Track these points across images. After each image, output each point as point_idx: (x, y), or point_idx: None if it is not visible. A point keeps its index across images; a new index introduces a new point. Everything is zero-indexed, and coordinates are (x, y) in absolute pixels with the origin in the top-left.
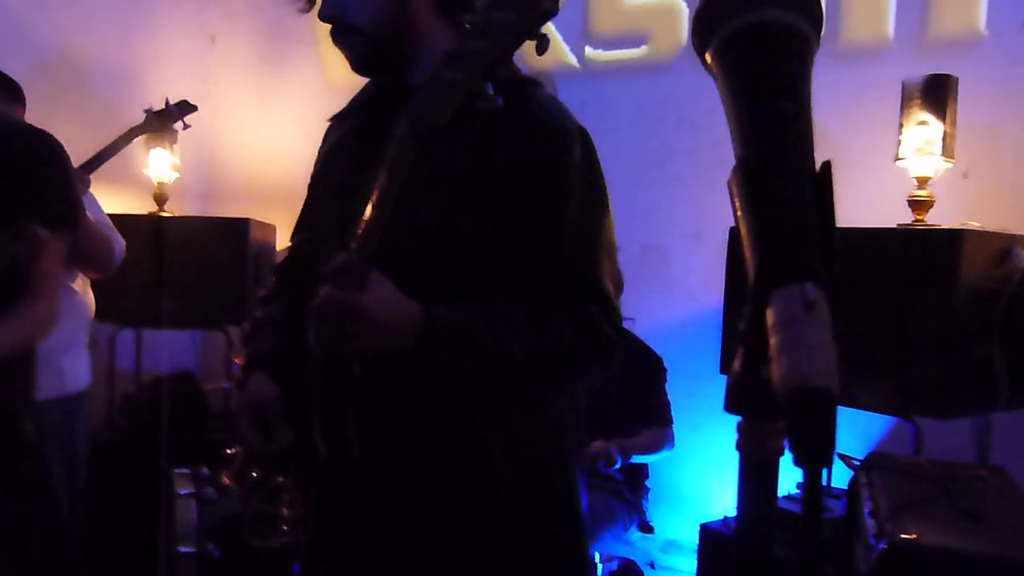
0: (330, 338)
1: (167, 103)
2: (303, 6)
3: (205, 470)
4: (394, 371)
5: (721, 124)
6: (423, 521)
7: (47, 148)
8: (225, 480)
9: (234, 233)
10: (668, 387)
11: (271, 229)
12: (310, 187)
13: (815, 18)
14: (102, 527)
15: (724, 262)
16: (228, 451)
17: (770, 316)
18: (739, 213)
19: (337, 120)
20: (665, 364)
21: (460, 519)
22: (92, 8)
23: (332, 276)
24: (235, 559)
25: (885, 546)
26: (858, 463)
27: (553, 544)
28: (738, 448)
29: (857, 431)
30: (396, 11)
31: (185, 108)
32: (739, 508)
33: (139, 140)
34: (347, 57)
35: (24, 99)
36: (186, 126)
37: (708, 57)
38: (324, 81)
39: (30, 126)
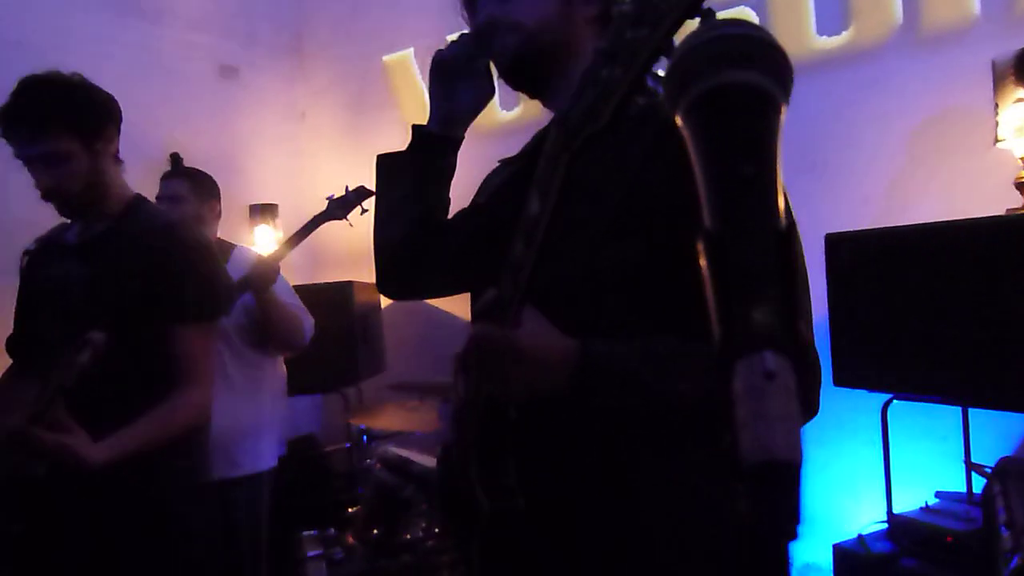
0: (484, 377)
1: (347, 190)
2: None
3: (332, 531)
4: (549, 416)
5: (810, 127)
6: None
7: (189, 243)
8: (349, 539)
9: (339, 297)
10: None
11: (374, 289)
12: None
13: (781, 74)
14: None
15: (824, 272)
16: (350, 511)
17: (736, 387)
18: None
19: (504, 164)
20: None
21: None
22: (188, 103)
23: (483, 313)
24: None
25: (1020, 562)
26: (990, 470)
27: None
28: None
29: (997, 433)
30: (559, 19)
31: (363, 193)
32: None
33: (243, 219)
34: (499, 63)
35: (219, 193)
36: (364, 211)
37: (679, 121)
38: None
39: (174, 222)
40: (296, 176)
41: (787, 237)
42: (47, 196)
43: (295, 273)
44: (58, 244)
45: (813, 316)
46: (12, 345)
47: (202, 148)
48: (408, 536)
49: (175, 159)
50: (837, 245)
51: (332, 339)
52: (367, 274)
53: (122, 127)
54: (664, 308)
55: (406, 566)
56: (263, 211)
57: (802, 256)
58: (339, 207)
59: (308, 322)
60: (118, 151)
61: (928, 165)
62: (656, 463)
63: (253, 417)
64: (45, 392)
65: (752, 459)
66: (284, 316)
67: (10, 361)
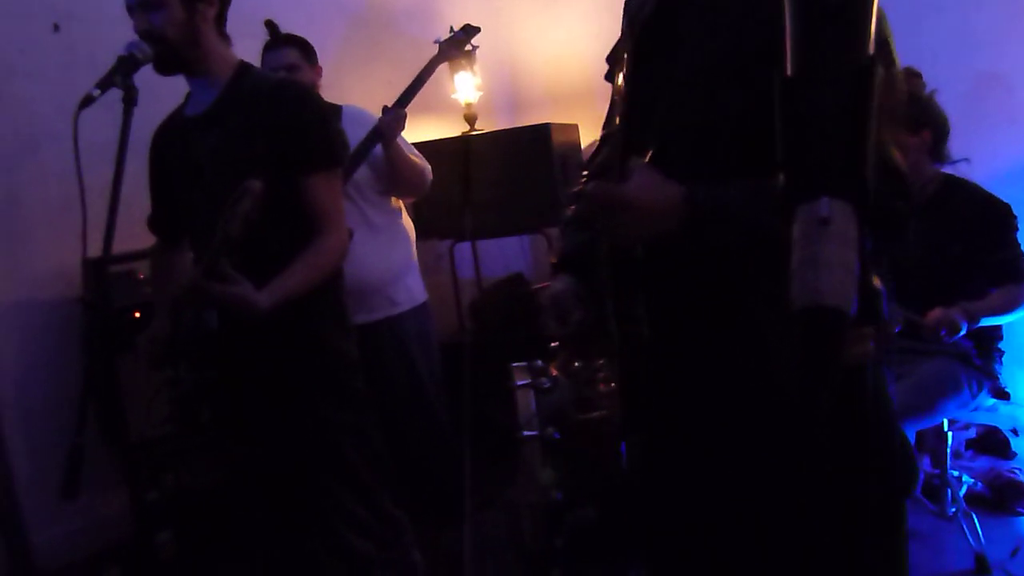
0: (602, 228)
1: (451, 30)
2: None
3: (539, 362)
4: (674, 253)
5: None
6: (704, 398)
7: (297, 98)
8: (553, 371)
9: (538, 139)
10: (1020, 237)
11: (573, 129)
12: (605, 78)
13: None
14: (461, 417)
15: None
16: (553, 345)
17: (794, 231)
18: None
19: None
20: (1015, 211)
21: (735, 397)
22: None
23: (594, 173)
24: (572, 439)
25: None
26: None
27: (836, 428)
28: None
29: None
30: None
31: (470, 31)
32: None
33: (443, 68)
34: None
35: (316, 58)
36: (474, 47)
37: None
38: None
39: (283, 79)
40: (493, 18)
41: (868, 73)
42: (144, 39)
43: (496, 117)
44: (179, 120)
45: None
46: (154, 222)
47: None
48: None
49: (272, 26)
50: None
51: (533, 180)
52: (564, 115)
53: None
54: (765, 151)
55: (604, 395)
56: (463, 57)
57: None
58: (450, 47)
59: (427, 168)
60: (223, 22)
61: None
62: (771, 295)
63: (402, 257)
64: (213, 246)
65: (800, 302)
66: (409, 163)
67: None
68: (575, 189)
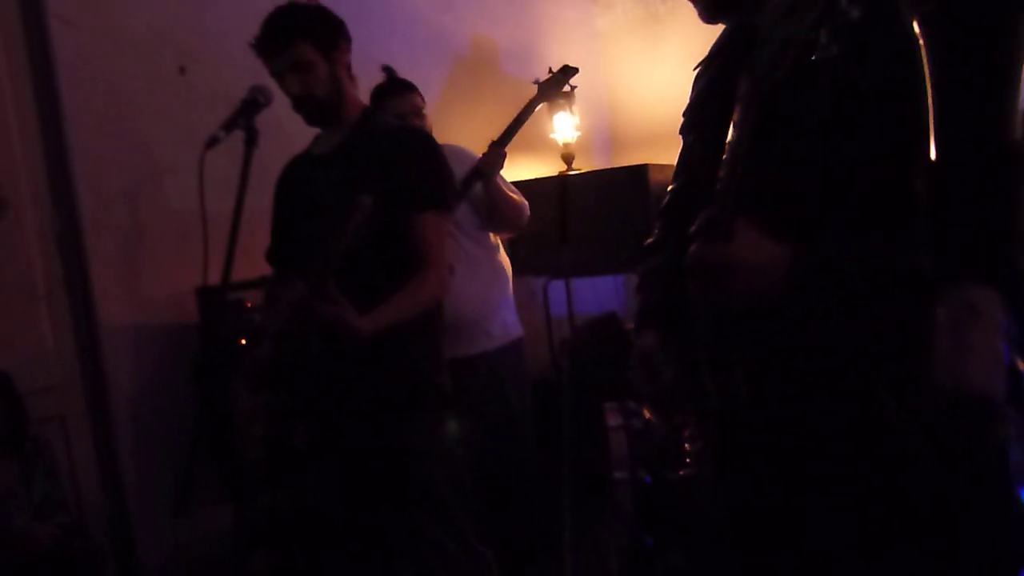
0: (704, 290)
1: (550, 71)
2: None
3: (632, 404)
4: (776, 314)
5: None
6: (809, 468)
7: (418, 142)
8: (646, 414)
9: (635, 180)
10: None
11: (671, 170)
12: (681, 132)
13: None
14: (552, 455)
15: None
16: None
17: (939, 315)
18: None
19: (703, 66)
20: None
21: (847, 473)
22: None
23: (699, 232)
24: (665, 485)
25: None
26: None
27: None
28: None
29: None
30: None
31: (568, 71)
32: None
33: (543, 109)
34: (698, 6)
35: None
36: (572, 88)
37: (916, 28)
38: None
39: (407, 125)
40: (593, 59)
41: (1016, 156)
42: (298, 103)
43: (593, 157)
44: (307, 158)
45: None
46: (272, 255)
47: (504, 39)
48: None
49: (391, 71)
50: None
51: (630, 221)
52: (663, 156)
53: (435, 30)
54: (867, 216)
55: (684, 446)
56: (562, 98)
57: None
58: (549, 88)
59: (526, 205)
60: (350, 67)
61: None
62: (887, 364)
63: (499, 292)
64: (322, 263)
65: (948, 387)
66: (509, 200)
67: None
68: (651, 240)
